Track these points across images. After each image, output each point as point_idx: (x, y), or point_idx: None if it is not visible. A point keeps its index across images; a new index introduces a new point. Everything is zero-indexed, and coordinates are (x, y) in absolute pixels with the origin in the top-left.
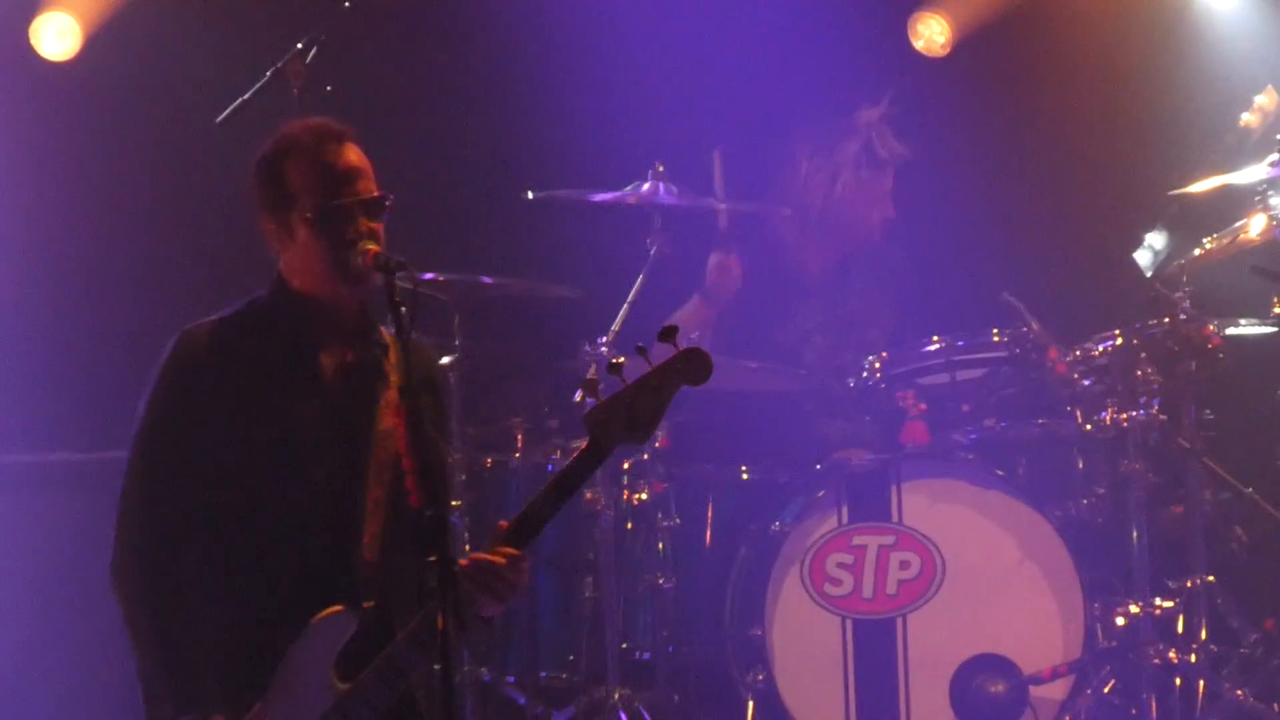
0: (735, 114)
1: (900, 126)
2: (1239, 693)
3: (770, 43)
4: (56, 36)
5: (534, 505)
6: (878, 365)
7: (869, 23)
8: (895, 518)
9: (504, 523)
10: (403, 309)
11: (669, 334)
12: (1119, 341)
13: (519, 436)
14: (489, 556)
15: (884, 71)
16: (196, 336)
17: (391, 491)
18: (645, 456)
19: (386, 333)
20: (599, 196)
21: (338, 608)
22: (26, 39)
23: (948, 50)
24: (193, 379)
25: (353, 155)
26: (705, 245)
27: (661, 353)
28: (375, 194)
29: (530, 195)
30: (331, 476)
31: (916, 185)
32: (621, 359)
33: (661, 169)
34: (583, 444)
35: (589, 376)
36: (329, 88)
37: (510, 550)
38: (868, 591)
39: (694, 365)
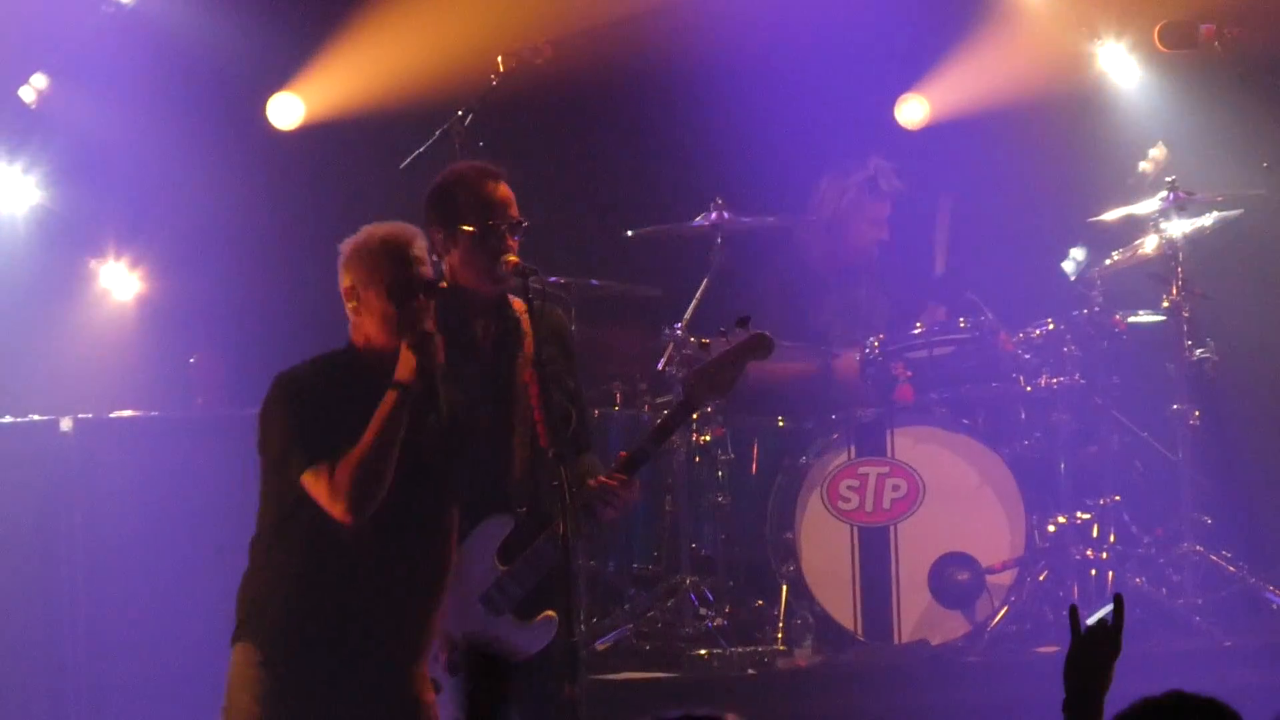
0: (774, 149)
1: (899, 169)
2: (1138, 580)
3: (790, 101)
4: (286, 112)
5: (643, 444)
6: (877, 344)
7: (865, 94)
8: (889, 454)
9: (623, 453)
10: (534, 302)
11: (744, 322)
12: (1051, 327)
13: (618, 395)
14: (608, 480)
15: (878, 131)
16: None
17: (533, 428)
18: (709, 409)
19: (517, 302)
20: (682, 225)
21: (501, 513)
22: (263, 114)
23: (924, 126)
24: None
25: (505, 189)
26: (751, 256)
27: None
28: (518, 218)
29: (630, 234)
30: (489, 420)
31: (913, 216)
32: (706, 339)
33: (720, 201)
34: (668, 398)
35: (672, 348)
36: (481, 143)
37: (623, 475)
38: (869, 507)
39: (761, 345)
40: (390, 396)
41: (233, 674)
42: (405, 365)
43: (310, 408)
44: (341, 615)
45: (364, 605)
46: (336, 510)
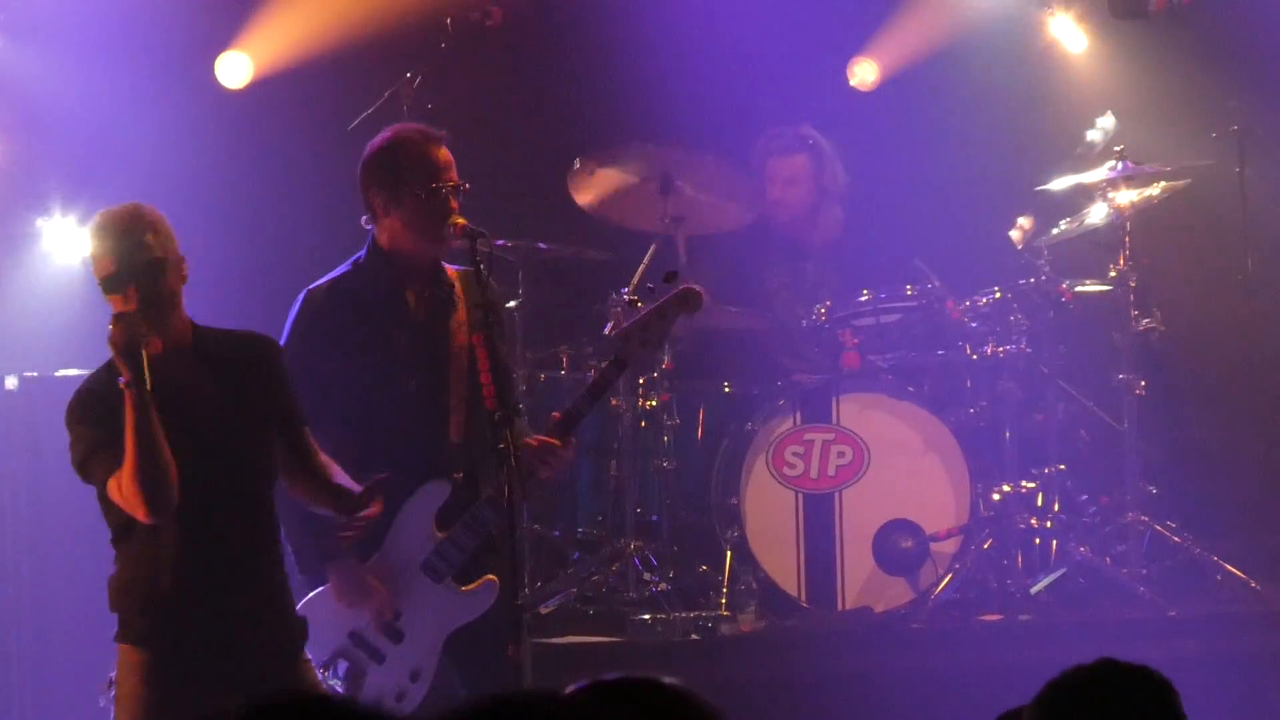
0: (727, 116)
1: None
2: (1081, 549)
3: (744, 67)
4: (234, 71)
5: (577, 403)
6: (823, 311)
7: (814, 61)
8: (834, 420)
9: (556, 414)
10: (482, 265)
11: (671, 276)
12: (998, 295)
13: (564, 359)
14: (546, 439)
15: (828, 95)
16: (318, 292)
17: (469, 391)
18: (655, 375)
19: (451, 271)
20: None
21: (437, 479)
22: (211, 72)
23: (876, 87)
24: (317, 322)
25: (446, 153)
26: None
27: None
28: (458, 182)
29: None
30: (422, 384)
31: (859, 187)
32: (637, 298)
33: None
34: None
35: (616, 311)
36: (429, 105)
37: (559, 435)
38: (814, 473)
39: (690, 299)
40: (126, 399)
41: (120, 666)
42: (121, 369)
43: (94, 420)
44: (199, 602)
45: (211, 588)
46: (138, 514)
